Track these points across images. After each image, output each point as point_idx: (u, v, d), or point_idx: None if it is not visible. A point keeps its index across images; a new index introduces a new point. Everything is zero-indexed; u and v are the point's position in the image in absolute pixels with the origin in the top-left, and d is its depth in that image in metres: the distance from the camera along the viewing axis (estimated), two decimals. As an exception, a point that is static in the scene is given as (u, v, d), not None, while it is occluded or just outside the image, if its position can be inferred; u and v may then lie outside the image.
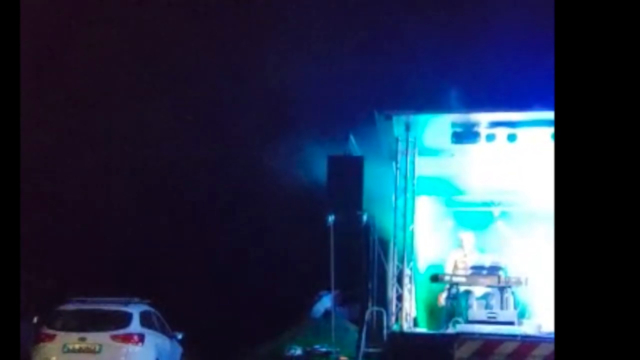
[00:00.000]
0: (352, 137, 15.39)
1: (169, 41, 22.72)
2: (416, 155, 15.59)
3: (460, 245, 16.01)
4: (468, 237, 16.04)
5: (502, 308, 14.79)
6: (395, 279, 15.24)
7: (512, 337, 13.58)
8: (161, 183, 22.90)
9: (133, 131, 22.87)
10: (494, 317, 14.34)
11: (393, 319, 15.00)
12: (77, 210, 22.76)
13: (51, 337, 15.52)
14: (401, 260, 15.21)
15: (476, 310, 14.70)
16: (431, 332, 15.31)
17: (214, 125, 23.09)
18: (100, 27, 22.70)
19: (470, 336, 13.60)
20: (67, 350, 15.35)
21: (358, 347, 15.05)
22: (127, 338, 15.62)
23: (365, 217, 15.51)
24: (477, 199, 16.69)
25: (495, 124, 15.12)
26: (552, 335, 13.29)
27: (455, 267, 15.82)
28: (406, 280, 15.18)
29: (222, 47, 22.74)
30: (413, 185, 15.55)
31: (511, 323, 14.21)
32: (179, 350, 17.62)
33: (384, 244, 15.94)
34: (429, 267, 16.10)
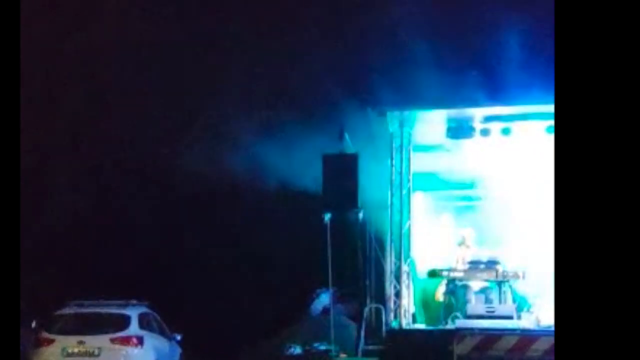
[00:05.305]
0: (346, 135, 15.38)
1: (164, 40, 22.69)
2: (411, 151, 15.62)
3: (462, 241, 15.98)
4: (469, 233, 16.03)
5: (500, 302, 14.83)
6: (392, 276, 15.27)
7: (512, 331, 13.61)
8: (158, 183, 22.85)
9: (130, 132, 22.82)
10: (493, 312, 14.35)
11: (392, 315, 15.03)
12: (73, 213, 22.69)
13: (50, 342, 15.45)
14: (398, 257, 15.23)
15: (475, 305, 14.71)
16: (430, 327, 15.30)
17: (209, 124, 23.09)
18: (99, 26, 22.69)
19: (470, 331, 13.61)
20: (66, 354, 15.28)
21: (357, 344, 15.05)
22: (126, 340, 15.56)
23: (361, 215, 15.50)
24: (473, 193, 16.71)
25: (490, 119, 15.16)
26: (551, 329, 13.36)
27: (456, 262, 15.81)
28: (404, 276, 15.20)
29: (215, 44, 22.71)
30: (409, 181, 15.58)
31: (510, 317, 14.22)
32: (178, 351, 17.57)
33: (380, 241, 15.95)
34: (427, 263, 16.09)
